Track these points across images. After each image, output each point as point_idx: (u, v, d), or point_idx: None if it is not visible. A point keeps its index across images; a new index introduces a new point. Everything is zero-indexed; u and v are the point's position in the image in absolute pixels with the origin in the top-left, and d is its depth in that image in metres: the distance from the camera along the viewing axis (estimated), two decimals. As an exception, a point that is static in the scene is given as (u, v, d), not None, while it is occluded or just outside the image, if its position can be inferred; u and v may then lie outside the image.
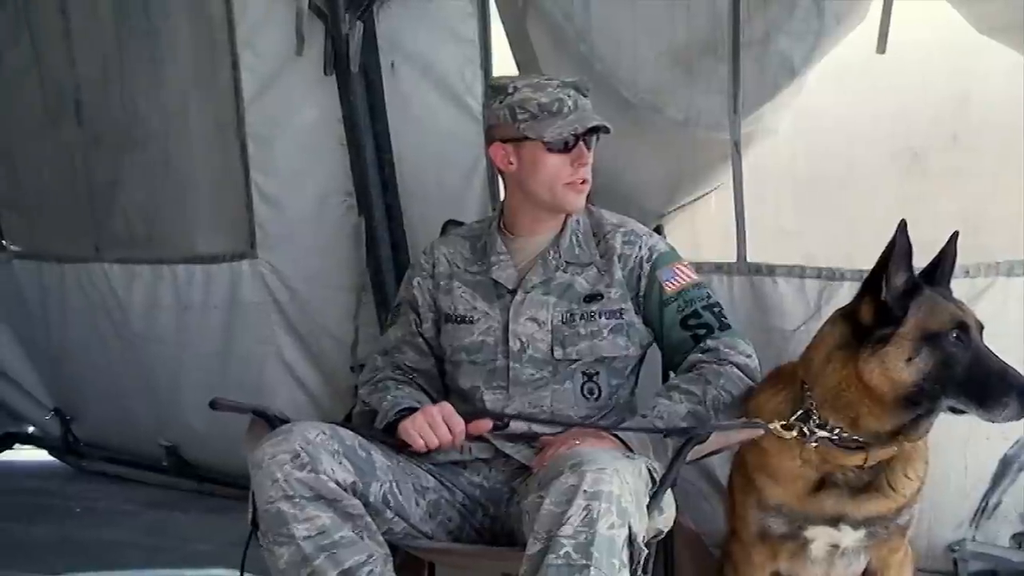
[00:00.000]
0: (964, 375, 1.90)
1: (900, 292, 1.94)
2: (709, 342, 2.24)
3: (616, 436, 2.06)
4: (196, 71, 3.60)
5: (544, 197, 2.27)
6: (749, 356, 2.24)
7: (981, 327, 1.98)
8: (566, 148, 2.22)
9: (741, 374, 2.20)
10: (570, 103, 2.22)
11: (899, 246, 1.93)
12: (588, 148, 2.25)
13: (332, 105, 3.25)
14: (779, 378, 2.20)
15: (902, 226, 1.92)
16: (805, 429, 2.00)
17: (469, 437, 2.18)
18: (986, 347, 1.95)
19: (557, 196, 2.26)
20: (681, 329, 2.27)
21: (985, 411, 1.89)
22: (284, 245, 3.51)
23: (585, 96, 2.26)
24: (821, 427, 2.00)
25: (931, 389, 1.91)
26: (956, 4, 2.59)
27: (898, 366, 1.91)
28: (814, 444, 2.01)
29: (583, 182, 2.26)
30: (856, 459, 2.03)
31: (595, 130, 2.24)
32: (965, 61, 2.78)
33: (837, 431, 2.00)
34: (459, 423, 2.12)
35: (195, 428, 3.84)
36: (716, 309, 2.30)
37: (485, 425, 2.18)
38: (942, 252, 2.05)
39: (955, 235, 2.05)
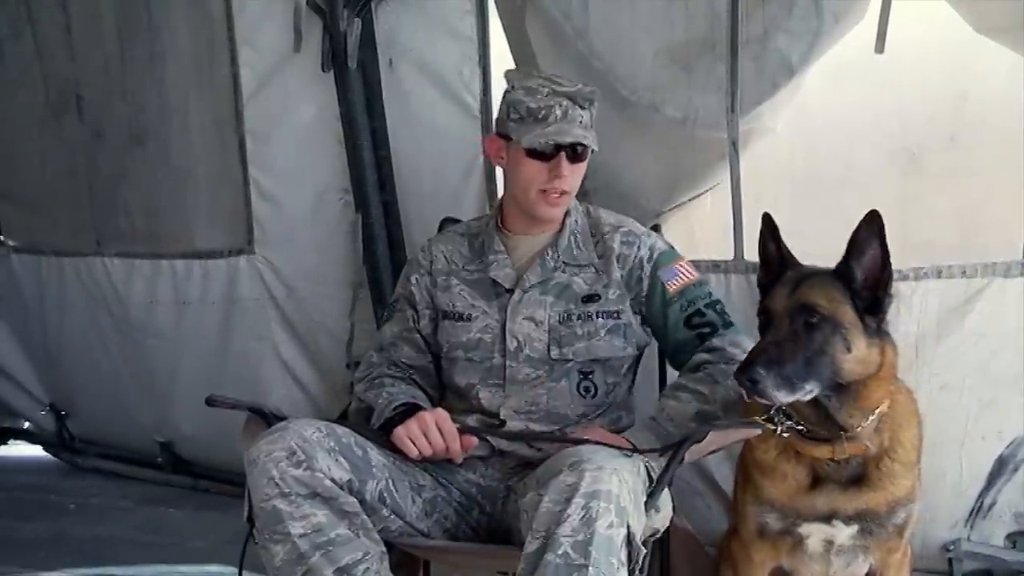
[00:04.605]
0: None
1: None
2: (714, 341, 2.25)
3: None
4: (196, 67, 3.60)
5: (520, 199, 2.29)
6: (753, 353, 2.24)
7: (792, 308, 1.98)
8: (545, 156, 2.21)
9: (747, 371, 2.21)
10: (558, 112, 2.19)
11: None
12: (572, 160, 2.22)
13: (330, 102, 3.24)
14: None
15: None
16: (775, 420, 2.04)
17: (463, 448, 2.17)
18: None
19: (530, 201, 2.26)
20: (685, 328, 2.28)
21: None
22: (281, 241, 3.50)
23: (583, 108, 2.21)
24: (788, 418, 2.04)
25: None
26: (954, 4, 2.59)
27: None
28: (786, 435, 2.04)
29: (560, 194, 2.24)
30: (823, 451, 2.05)
31: (575, 146, 2.21)
32: (963, 61, 2.79)
33: (800, 423, 2.04)
34: (453, 431, 2.12)
35: (191, 424, 3.84)
36: (718, 307, 2.31)
37: (471, 442, 2.18)
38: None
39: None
